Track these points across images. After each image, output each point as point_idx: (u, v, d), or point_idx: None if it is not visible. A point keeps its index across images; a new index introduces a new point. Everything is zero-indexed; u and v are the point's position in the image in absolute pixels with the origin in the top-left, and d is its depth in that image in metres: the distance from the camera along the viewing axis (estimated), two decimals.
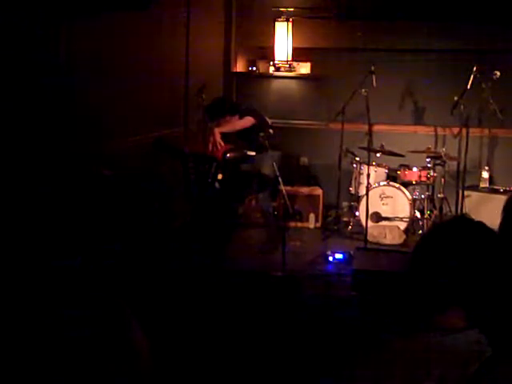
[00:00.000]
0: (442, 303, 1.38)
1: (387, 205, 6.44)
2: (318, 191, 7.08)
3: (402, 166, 6.63)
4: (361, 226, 6.38)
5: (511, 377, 1.28)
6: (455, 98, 6.07)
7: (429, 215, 6.48)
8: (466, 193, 5.98)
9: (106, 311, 1.14)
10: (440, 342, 1.35)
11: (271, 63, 7.56)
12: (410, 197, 6.39)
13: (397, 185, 6.47)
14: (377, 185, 6.48)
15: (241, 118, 5.96)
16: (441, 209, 6.66)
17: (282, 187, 5.18)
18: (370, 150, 6.37)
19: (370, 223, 6.17)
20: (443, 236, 1.45)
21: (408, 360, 1.35)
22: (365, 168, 6.40)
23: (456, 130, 6.36)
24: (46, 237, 2.77)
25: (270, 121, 6.23)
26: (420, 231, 6.45)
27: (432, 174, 6.44)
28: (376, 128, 6.98)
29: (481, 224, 1.47)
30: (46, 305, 1.13)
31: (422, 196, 6.55)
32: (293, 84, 7.66)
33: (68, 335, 1.09)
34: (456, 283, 1.37)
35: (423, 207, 6.54)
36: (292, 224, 6.77)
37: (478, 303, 1.37)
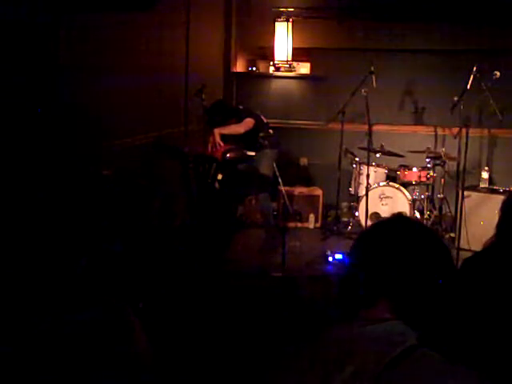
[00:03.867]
0: (371, 294, 1.42)
1: (387, 205, 6.44)
2: (318, 191, 7.08)
3: (401, 166, 6.63)
4: (360, 226, 6.38)
5: (423, 366, 1.29)
6: (455, 98, 6.07)
7: (428, 215, 6.48)
8: (465, 193, 5.98)
9: (108, 312, 1.14)
10: (361, 333, 1.38)
11: (271, 63, 7.57)
12: (409, 197, 6.39)
13: (396, 185, 6.47)
14: (376, 185, 6.48)
15: (241, 120, 5.97)
16: (440, 209, 6.66)
17: (282, 187, 5.18)
18: (369, 150, 6.37)
19: (369, 223, 6.17)
20: (377, 231, 1.52)
21: (328, 350, 1.38)
22: (364, 168, 6.40)
23: (456, 130, 6.36)
24: (46, 238, 2.77)
25: (265, 120, 6.24)
26: None
27: (432, 174, 6.44)
28: (376, 128, 6.99)
29: (417, 222, 1.53)
30: (49, 307, 1.14)
31: (422, 196, 6.55)
32: (293, 84, 7.67)
33: (71, 336, 1.09)
34: (384, 274, 1.41)
35: (423, 207, 6.54)
36: (292, 224, 6.77)
37: (403, 294, 1.40)
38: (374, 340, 1.35)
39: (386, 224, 1.55)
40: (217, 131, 5.79)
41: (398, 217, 1.55)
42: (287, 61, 7.50)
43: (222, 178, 5.69)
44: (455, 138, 6.29)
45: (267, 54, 7.60)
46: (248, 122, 5.90)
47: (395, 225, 1.52)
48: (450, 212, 6.61)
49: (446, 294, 1.42)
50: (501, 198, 2.49)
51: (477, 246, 5.21)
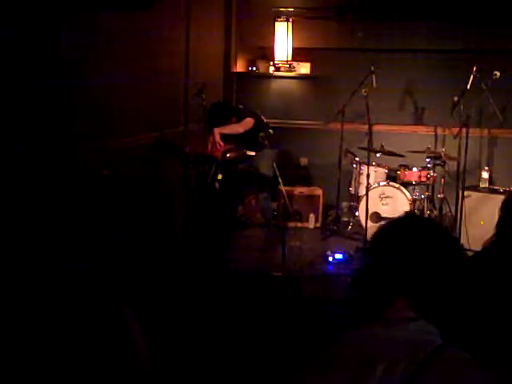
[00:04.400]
0: (390, 293, 1.43)
1: (387, 205, 6.44)
2: (318, 191, 7.08)
3: (401, 166, 6.63)
4: (361, 226, 6.38)
5: (454, 366, 1.30)
6: (455, 99, 6.07)
7: (428, 215, 6.47)
8: (465, 193, 5.98)
9: (106, 313, 1.14)
10: (387, 333, 1.38)
11: (271, 63, 7.56)
12: (409, 197, 6.39)
13: (397, 185, 6.47)
14: (377, 185, 6.48)
15: (240, 119, 5.97)
16: (440, 209, 6.66)
17: (282, 187, 5.18)
18: (369, 150, 6.37)
19: (369, 223, 6.17)
20: (393, 230, 1.54)
21: (355, 351, 1.38)
22: (365, 168, 6.40)
23: (456, 130, 6.35)
24: (46, 238, 2.77)
25: (265, 120, 6.24)
26: None
27: (432, 174, 6.44)
28: (376, 128, 6.98)
29: (430, 220, 1.55)
30: (48, 308, 1.14)
31: (422, 196, 6.55)
32: (293, 84, 7.66)
33: (68, 336, 1.09)
34: (403, 272, 1.42)
35: (423, 207, 6.53)
36: (292, 224, 6.77)
37: (424, 293, 1.42)
38: (402, 341, 1.36)
39: (400, 223, 1.56)
40: (216, 131, 5.79)
41: (411, 215, 1.57)
42: (287, 61, 7.50)
43: (222, 177, 5.69)
44: (455, 138, 6.29)
45: (267, 54, 7.60)
46: (248, 122, 5.90)
47: (409, 223, 1.54)
48: (450, 212, 6.61)
49: (461, 291, 1.44)
50: (501, 197, 2.49)
51: (477, 246, 5.20)
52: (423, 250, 1.45)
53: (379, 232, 1.56)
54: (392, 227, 1.56)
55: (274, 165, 5.29)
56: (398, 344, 1.35)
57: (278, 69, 7.56)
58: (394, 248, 1.47)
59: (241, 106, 6.29)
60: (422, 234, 1.49)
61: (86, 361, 1.08)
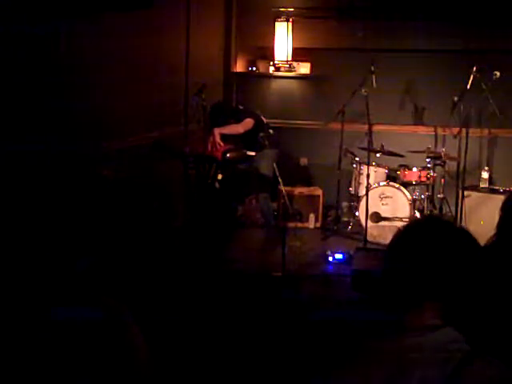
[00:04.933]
0: (417, 298, 1.40)
1: (387, 205, 6.44)
2: (318, 191, 7.08)
3: (401, 166, 6.63)
4: (360, 226, 6.38)
5: (488, 373, 1.29)
6: (455, 98, 6.07)
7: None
8: (465, 193, 5.98)
9: (105, 313, 1.14)
10: (417, 342, 1.36)
11: (271, 63, 7.56)
12: (409, 197, 6.39)
13: (397, 185, 6.47)
14: (377, 185, 6.48)
15: (241, 120, 5.97)
16: (440, 209, 6.66)
17: (282, 187, 5.18)
18: (369, 150, 6.37)
19: (369, 223, 6.17)
20: (417, 233, 1.48)
21: (385, 361, 1.36)
22: (365, 168, 6.40)
23: (456, 130, 6.35)
24: (45, 238, 2.77)
25: (265, 120, 6.24)
26: None
27: (432, 174, 6.44)
28: (376, 128, 6.98)
29: (450, 223, 1.53)
30: (45, 306, 1.13)
31: (422, 196, 6.55)
32: (293, 84, 7.66)
33: (67, 336, 1.09)
34: (432, 277, 1.39)
35: (423, 207, 6.53)
36: (292, 224, 6.76)
37: (455, 299, 1.38)
38: (432, 349, 1.33)
39: (422, 225, 1.52)
40: (217, 131, 5.79)
41: (432, 217, 1.54)
42: (287, 61, 7.49)
43: (222, 177, 5.69)
44: (455, 138, 6.29)
45: (267, 54, 7.59)
46: (248, 122, 5.90)
47: (432, 226, 1.49)
48: (450, 212, 6.61)
49: (489, 296, 1.42)
50: (501, 198, 2.49)
51: None
52: (451, 254, 1.41)
53: (400, 235, 1.50)
54: (414, 230, 1.51)
55: (274, 165, 5.29)
56: (431, 351, 1.33)
57: (278, 69, 7.56)
58: (418, 252, 1.42)
59: (241, 107, 6.29)
60: (447, 237, 1.44)
61: (85, 361, 1.08)
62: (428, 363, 1.31)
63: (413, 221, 1.57)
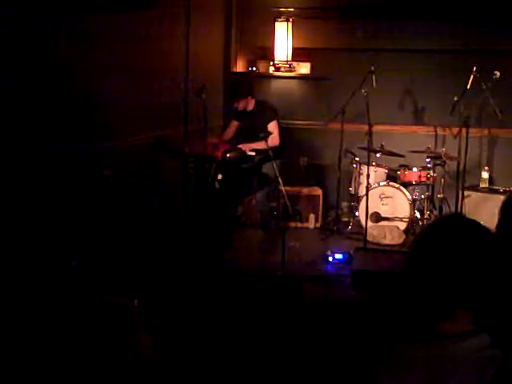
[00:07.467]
0: (450, 306, 1.34)
1: (387, 205, 6.44)
2: (318, 191, 7.08)
3: (401, 166, 6.63)
4: (361, 226, 6.38)
5: None
6: (455, 98, 6.07)
7: (428, 215, 6.48)
8: (465, 193, 5.98)
9: (110, 312, 1.14)
10: (452, 349, 1.32)
11: (271, 63, 7.56)
12: (409, 197, 6.39)
13: (397, 185, 6.47)
14: (377, 185, 6.48)
15: (264, 121, 6.07)
16: (440, 209, 6.65)
17: (282, 187, 5.17)
18: (369, 150, 6.37)
19: (369, 223, 6.17)
20: (441, 234, 1.40)
21: (422, 369, 1.32)
22: (365, 168, 6.40)
23: (456, 130, 6.36)
24: (46, 237, 2.77)
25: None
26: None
27: (432, 174, 6.44)
28: (376, 128, 6.98)
29: (476, 222, 1.42)
30: (47, 305, 1.13)
31: (422, 196, 6.55)
32: (293, 84, 7.66)
33: (72, 335, 1.09)
34: (464, 285, 1.32)
35: (423, 207, 6.54)
36: (292, 224, 6.77)
37: (487, 305, 1.33)
38: (467, 356, 1.30)
39: (449, 226, 1.42)
40: (246, 147, 5.88)
41: (456, 216, 1.47)
42: (287, 61, 7.49)
43: (222, 177, 5.69)
44: (455, 137, 6.30)
45: (267, 54, 7.59)
46: (274, 139, 5.96)
47: (459, 227, 1.40)
48: (451, 212, 6.61)
49: None
50: (501, 198, 2.49)
51: None
52: (484, 258, 1.33)
53: (425, 236, 1.42)
54: (441, 231, 1.41)
55: (274, 165, 5.28)
56: (465, 359, 1.30)
57: (278, 69, 7.56)
58: (448, 258, 1.34)
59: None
60: (477, 239, 1.36)
61: (90, 357, 1.08)
62: (463, 371, 1.28)
63: (437, 221, 1.49)
